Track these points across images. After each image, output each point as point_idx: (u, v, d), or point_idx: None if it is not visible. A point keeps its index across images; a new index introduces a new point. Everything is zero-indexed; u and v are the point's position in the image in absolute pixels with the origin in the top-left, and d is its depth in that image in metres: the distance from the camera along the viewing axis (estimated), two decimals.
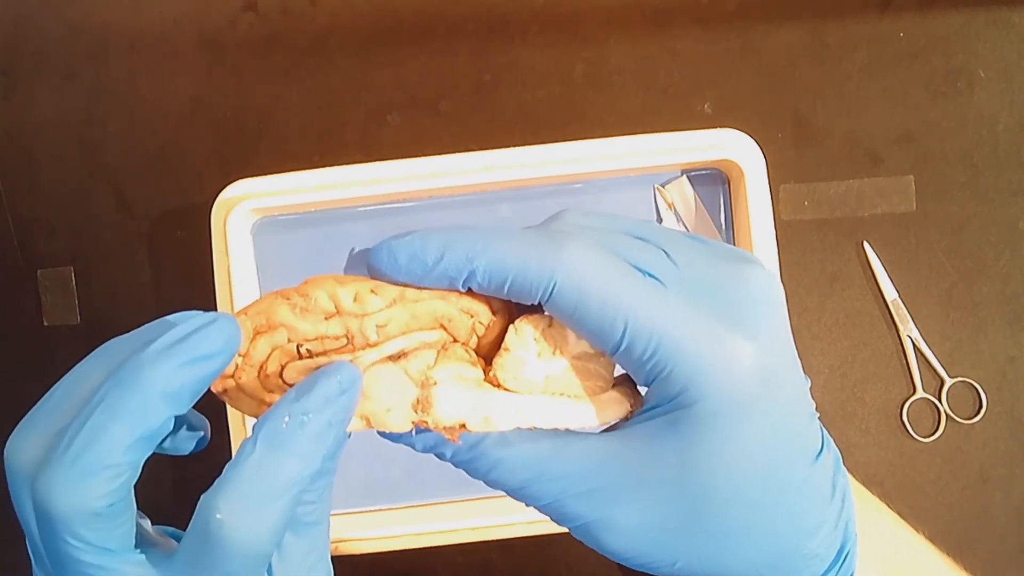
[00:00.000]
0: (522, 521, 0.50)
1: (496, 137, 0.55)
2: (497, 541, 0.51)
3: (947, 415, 0.54)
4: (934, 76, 0.56)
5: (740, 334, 0.24)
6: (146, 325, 0.24)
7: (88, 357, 0.24)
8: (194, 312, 0.24)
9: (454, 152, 0.50)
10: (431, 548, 0.51)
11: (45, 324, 0.57)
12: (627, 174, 0.51)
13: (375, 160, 0.50)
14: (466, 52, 0.56)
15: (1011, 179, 0.55)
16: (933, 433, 0.55)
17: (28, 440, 0.23)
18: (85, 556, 0.22)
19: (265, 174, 0.51)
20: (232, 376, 0.25)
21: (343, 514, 0.52)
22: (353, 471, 0.53)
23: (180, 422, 0.28)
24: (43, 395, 0.24)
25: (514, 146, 0.50)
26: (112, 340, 0.24)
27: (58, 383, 0.24)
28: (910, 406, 0.55)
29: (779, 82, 0.56)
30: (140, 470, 0.23)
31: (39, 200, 0.57)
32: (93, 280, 0.57)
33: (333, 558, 0.52)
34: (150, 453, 0.23)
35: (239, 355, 0.25)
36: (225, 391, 0.25)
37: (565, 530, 0.49)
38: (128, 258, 0.57)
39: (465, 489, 0.52)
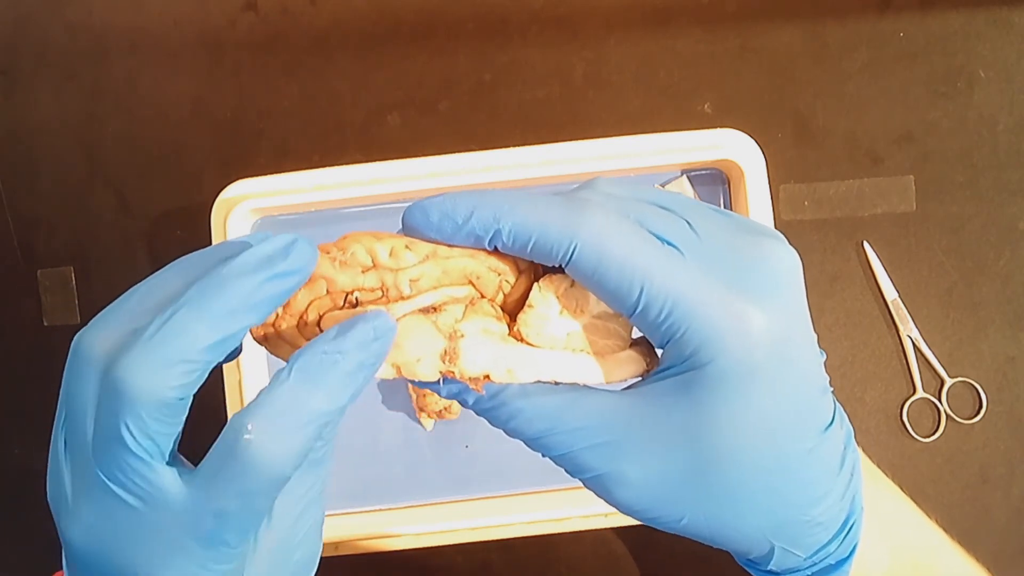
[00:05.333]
0: (522, 521, 0.50)
1: (496, 137, 0.55)
2: (497, 541, 0.51)
3: (947, 415, 0.54)
4: (934, 76, 0.56)
5: (753, 304, 0.25)
6: (220, 243, 0.26)
7: (165, 268, 0.25)
8: (269, 234, 0.25)
9: (454, 152, 0.50)
10: (431, 548, 0.51)
11: (45, 324, 0.57)
12: (627, 174, 0.51)
13: (375, 160, 0.50)
14: (466, 52, 0.56)
15: (1011, 179, 0.55)
16: (933, 433, 0.55)
17: (106, 331, 0.24)
18: (134, 446, 0.23)
19: (265, 174, 0.51)
20: (273, 324, 0.26)
21: (343, 514, 0.52)
22: (353, 471, 0.53)
23: None
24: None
25: (514, 146, 0.50)
26: (188, 255, 0.26)
27: (134, 288, 0.25)
28: (910, 406, 0.55)
29: (779, 82, 0.56)
30: (207, 375, 0.24)
31: (39, 200, 0.57)
32: (93, 280, 0.57)
33: (333, 558, 0.52)
34: (222, 359, 0.24)
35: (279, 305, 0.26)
36: (265, 337, 0.27)
37: (565, 530, 0.49)
38: (128, 258, 0.57)
39: (465, 489, 0.52)
